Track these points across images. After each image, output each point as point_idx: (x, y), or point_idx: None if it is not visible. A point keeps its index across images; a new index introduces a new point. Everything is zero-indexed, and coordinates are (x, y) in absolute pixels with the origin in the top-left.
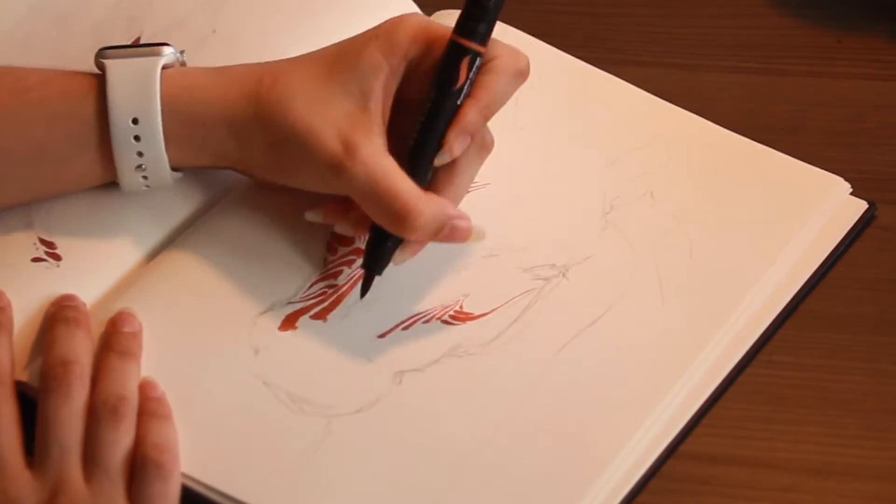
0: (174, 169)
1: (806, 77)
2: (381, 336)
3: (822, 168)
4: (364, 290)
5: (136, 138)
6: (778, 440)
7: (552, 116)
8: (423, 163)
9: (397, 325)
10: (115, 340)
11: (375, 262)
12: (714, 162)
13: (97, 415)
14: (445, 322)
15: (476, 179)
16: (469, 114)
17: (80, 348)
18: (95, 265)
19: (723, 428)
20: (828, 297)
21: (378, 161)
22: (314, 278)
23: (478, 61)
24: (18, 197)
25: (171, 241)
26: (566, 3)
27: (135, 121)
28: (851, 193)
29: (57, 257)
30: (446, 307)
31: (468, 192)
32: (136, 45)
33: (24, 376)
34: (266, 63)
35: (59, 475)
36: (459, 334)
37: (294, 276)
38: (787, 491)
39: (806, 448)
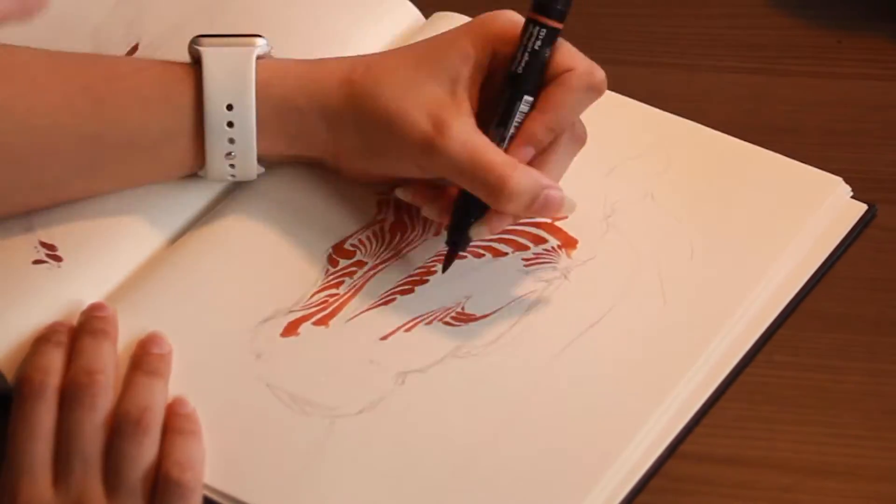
0: (260, 162)
1: (806, 77)
2: (384, 338)
3: (822, 168)
4: (445, 266)
5: (230, 125)
6: (778, 440)
7: None
8: (497, 135)
9: (399, 328)
10: (143, 361)
11: (459, 238)
12: (714, 165)
13: (120, 427)
14: (447, 323)
15: None
16: (532, 126)
17: (107, 359)
18: (96, 267)
19: (723, 428)
20: (828, 297)
21: (469, 136)
22: (315, 289)
23: (534, 29)
24: (106, 185)
25: (173, 244)
26: None
27: (229, 107)
28: (851, 195)
29: (58, 259)
30: (448, 309)
31: None
32: (229, 35)
33: None
34: (358, 55)
35: (81, 490)
36: (461, 335)
37: (296, 286)
38: (787, 491)
39: (806, 448)
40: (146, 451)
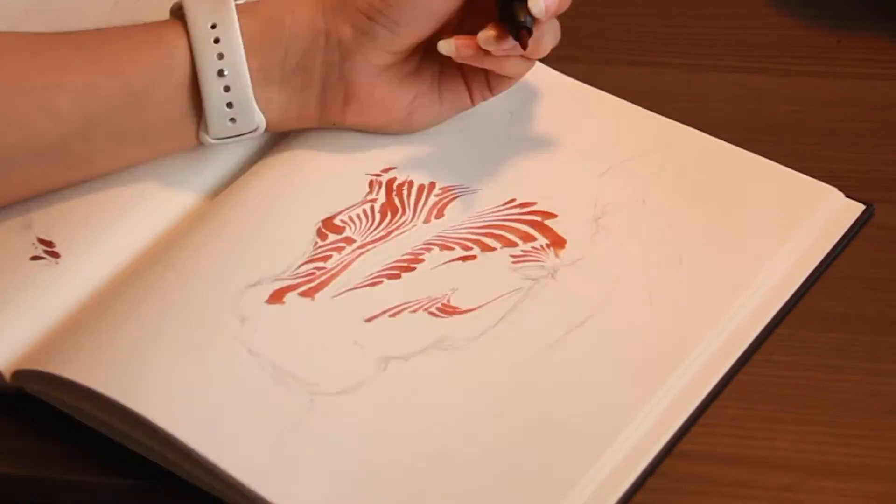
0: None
1: (806, 77)
2: (368, 320)
3: (822, 168)
4: (524, 45)
5: (216, 41)
6: (778, 440)
7: (544, 131)
8: None
9: (385, 311)
10: None
11: (517, 19)
12: (707, 171)
13: None
14: (432, 314)
15: (467, 184)
16: None
17: None
18: (94, 263)
19: (722, 427)
20: (828, 297)
21: None
22: (303, 260)
23: None
24: (105, 146)
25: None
26: None
27: (213, 26)
28: (850, 195)
29: (56, 255)
30: (434, 299)
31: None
32: None
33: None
34: None
35: None
36: (446, 327)
37: (284, 255)
38: (787, 491)
39: (806, 448)
40: None
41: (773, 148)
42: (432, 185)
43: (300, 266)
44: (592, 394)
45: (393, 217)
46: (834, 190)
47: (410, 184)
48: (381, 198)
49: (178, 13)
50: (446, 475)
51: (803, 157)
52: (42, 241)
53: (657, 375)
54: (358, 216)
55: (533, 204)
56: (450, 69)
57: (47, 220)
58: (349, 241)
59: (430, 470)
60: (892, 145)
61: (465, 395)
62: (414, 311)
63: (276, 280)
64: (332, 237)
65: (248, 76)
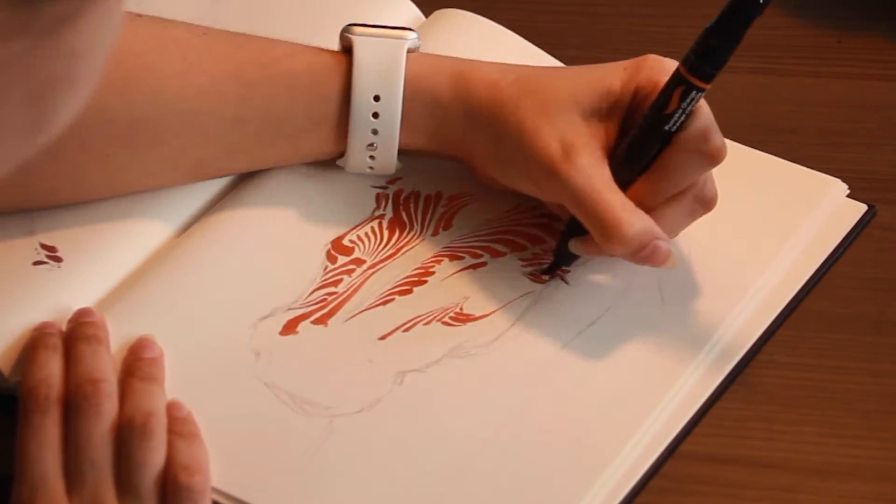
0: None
1: (806, 77)
2: (382, 338)
3: (822, 168)
4: (547, 272)
5: (375, 115)
6: (778, 440)
7: None
8: (625, 177)
9: (398, 328)
10: (136, 366)
11: (560, 252)
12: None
13: (125, 434)
14: (446, 323)
15: (473, 193)
16: (641, 188)
17: (106, 366)
18: (97, 267)
19: (723, 428)
20: (828, 297)
21: (594, 170)
22: (314, 286)
23: (694, 94)
24: (242, 168)
25: (173, 243)
26: (565, 3)
27: (376, 98)
28: (851, 195)
29: (58, 259)
30: (447, 309)
31: None
32: (379, 25)
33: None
34: (510, 64)
35: (94, 496)
36: (460, 335)
37: (295, 284)
38: (787, 491)
39: (806, 448)
40: (153, 456)
41: (772, 148)
42: (439, 195)
43: (311, 293)
44: (607, 393)
45: (401, 234)
46: (837, 181)
47: (417, 195)
48: (389, 213)
49: (346, 51)
50: (466, 481)
51: (803, 158)
52: (45, 247)
53: (669, 374)
54: (367, 234)
55: (541, 207)
56: None
57: (50, 225)
58: (359, 262)
59: (450, 476)
60: (892, 145)
61: (482, 400)
62: (427, 323)
63: (289, 310)
64: (341, 259)
65: (395, 151)
